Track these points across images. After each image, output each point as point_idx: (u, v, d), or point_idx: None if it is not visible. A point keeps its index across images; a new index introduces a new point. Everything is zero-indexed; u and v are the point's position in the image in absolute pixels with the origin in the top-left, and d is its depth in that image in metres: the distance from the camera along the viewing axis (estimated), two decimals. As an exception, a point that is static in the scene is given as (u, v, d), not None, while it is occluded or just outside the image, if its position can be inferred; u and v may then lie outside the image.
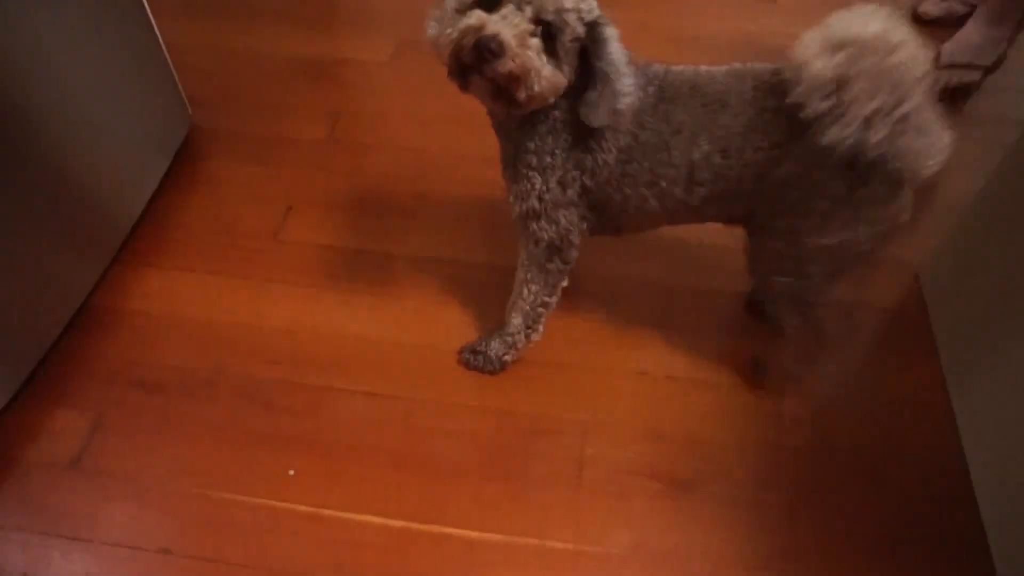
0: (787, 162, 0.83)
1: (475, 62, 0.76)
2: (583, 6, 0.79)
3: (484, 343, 1.11)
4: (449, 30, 0.77)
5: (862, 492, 1.02)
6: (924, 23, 1.76)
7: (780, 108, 0.80)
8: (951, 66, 1.57)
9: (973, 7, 1.67)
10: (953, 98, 1.58)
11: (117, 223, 1.26)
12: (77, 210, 1.14)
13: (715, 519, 0.99)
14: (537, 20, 0.77)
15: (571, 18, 0.78)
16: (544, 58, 0.77)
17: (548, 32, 0.77)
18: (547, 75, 0.78)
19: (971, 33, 1.58)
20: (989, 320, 1.05)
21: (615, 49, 0.81)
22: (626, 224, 0.99)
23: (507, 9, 0.76)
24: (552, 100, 0.82)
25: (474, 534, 0.98)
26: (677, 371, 1.14)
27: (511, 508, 1.00)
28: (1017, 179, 1.03)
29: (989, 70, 1.60)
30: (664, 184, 0.89)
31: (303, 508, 1.00)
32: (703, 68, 0.89)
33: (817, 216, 0.84)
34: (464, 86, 0.81)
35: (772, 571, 0.95)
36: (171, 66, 1.34)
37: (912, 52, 0.72)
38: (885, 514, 1.00)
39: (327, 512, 1.00)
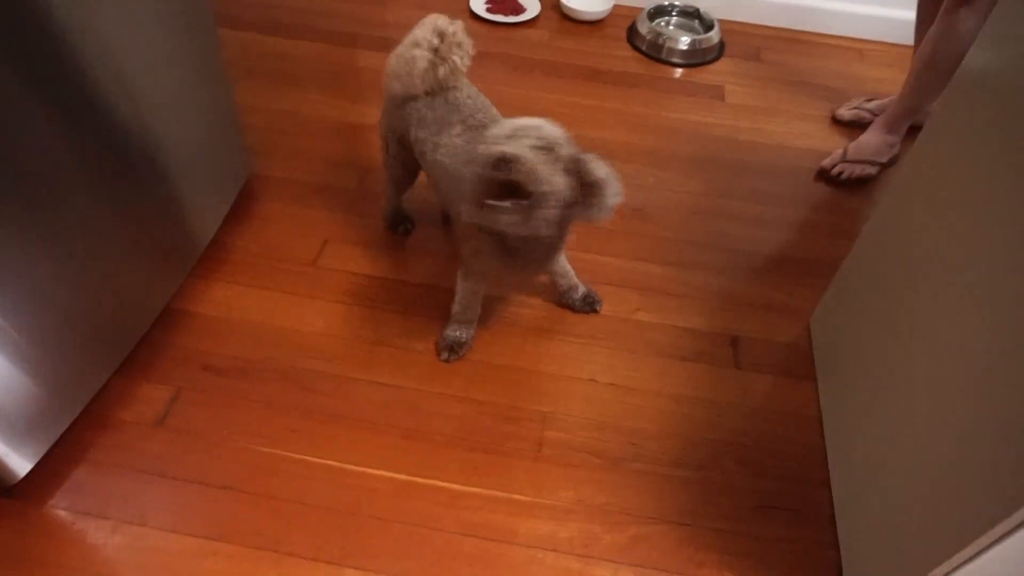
0: None
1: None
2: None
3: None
4: None
5: (746, 474, 1.37)
6: (840, 124, 2.19)
7: None
8: (854, 161, 1.98)
9: (876, 116, 2.10)
10: (855, 185, 1.99)
11: (193, 245, 1.62)
12: (164, 235, 1.51)
13: (636, 486, 1.34)
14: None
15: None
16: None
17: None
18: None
19: (871, 137, 2.01)
20: (855, 354, 1.42)
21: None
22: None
23: None
24: None
25: (459, 487, 1.32)
26: (617, 380, 1.50)
27: (488, 470, 1.35)
28: (873, 247, 1.41)
29: (886, 166, 2.02)
30: None
31: (332, 463, 1.35)
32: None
33: None
34: None
35: (672, 523, 1.29)
36: (238, 123, 1.72)
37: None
38: (760, 490, 1.35)
39: (349, 466, 1.34)
